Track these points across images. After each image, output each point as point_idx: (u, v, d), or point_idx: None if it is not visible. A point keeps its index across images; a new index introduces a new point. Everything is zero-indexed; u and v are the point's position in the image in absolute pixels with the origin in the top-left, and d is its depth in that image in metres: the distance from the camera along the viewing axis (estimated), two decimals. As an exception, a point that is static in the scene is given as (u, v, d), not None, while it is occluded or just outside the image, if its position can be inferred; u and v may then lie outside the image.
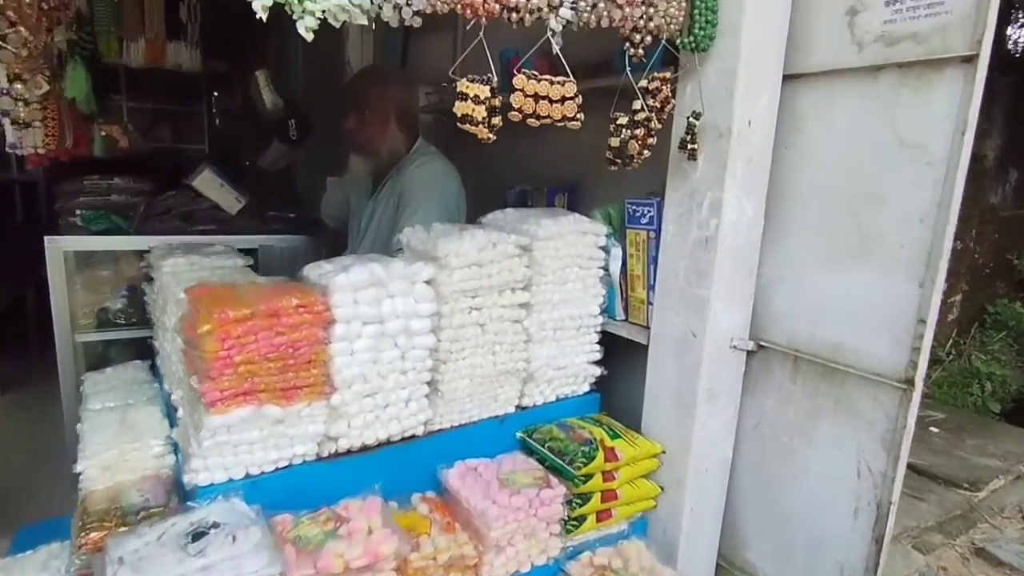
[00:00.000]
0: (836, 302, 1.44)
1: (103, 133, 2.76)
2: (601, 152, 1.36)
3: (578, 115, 1.14)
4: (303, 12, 0.88)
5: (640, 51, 1.26)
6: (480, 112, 1.05)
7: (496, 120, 1.08)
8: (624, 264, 1.67)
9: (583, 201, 2.09)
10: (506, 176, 2.35)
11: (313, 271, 1.33)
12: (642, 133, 1.26)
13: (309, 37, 0.87)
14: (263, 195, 2.62)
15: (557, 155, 2.19)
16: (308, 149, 2.57)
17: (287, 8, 0.89)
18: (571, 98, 1.12)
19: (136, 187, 2.52)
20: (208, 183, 2.43)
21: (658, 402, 1.62)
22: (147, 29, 2.89)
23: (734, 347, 1.54)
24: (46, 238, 2.23)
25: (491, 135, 1.07)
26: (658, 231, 1.57)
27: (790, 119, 1.48)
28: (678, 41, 1.33)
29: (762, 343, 1.56)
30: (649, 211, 1.58)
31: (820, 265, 1.47)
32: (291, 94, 2.74)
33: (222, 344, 1.09)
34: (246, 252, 2.51)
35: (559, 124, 1.15)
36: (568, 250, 1.55)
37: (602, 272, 1.62)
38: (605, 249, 1.62)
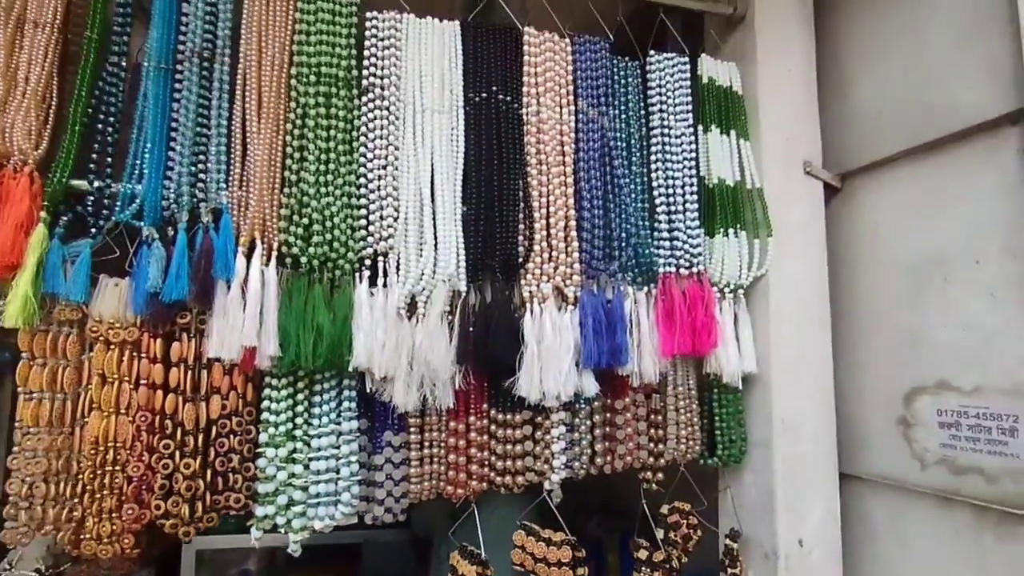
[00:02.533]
0: None
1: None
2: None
3: (578, 581, 1.10)
4: (290, 529, 1.00)
5: (655, 486, 1.22)
6: (468, 599, 1.06)
7: (492, 595, 1.08)
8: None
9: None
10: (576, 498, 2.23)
11: None
12: (661, 577, 1.17)
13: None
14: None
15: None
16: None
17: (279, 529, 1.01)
18: (567, 564, 1.09)
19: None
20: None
21: None
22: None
23: None
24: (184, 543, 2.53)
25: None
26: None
27: (860, 525, 1.30)
28: (701, 461, 1.28)
29: None
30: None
31: None
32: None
33: None
34: (348, 549, 2.66)
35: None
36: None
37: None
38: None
